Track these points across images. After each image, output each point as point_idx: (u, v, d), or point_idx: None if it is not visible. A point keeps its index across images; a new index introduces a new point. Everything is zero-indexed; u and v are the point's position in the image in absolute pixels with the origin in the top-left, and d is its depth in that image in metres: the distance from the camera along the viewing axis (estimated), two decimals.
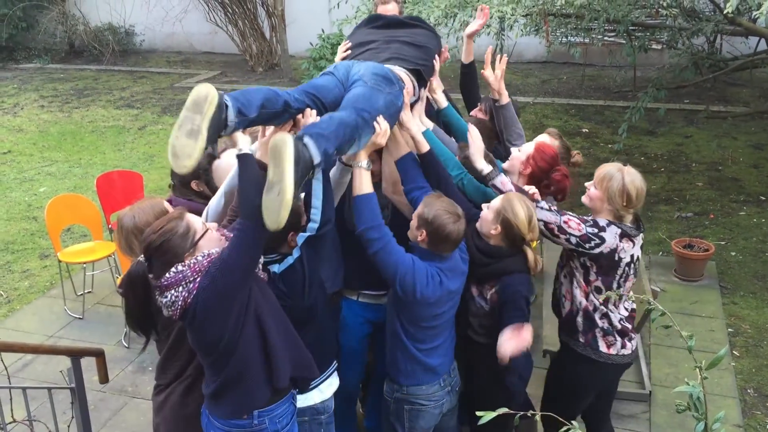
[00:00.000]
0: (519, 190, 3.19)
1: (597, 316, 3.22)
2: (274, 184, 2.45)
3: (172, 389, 3.00)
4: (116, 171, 6.57)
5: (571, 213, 3.17)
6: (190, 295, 2.49)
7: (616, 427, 4.20)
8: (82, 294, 5.69)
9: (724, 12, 5.12)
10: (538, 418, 2.21)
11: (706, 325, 5.17)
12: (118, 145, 9.47)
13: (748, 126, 9.28)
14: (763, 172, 7.89)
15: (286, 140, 2.46)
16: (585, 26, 7.56)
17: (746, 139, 8.88)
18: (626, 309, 3.29)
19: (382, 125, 2.88)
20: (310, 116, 2.80)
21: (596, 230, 3.09)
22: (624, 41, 9.42)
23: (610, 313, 3.21)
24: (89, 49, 14.36)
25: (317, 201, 2.78)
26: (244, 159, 2.61)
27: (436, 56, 3.42)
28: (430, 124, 3.42)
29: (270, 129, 2.82)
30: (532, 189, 3.28)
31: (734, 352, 4.89)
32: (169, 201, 3.19)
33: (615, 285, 3.17)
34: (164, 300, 2.52)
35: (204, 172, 3.34)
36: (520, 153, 3.38)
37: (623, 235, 3.12)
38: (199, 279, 2.50)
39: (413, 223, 3.00)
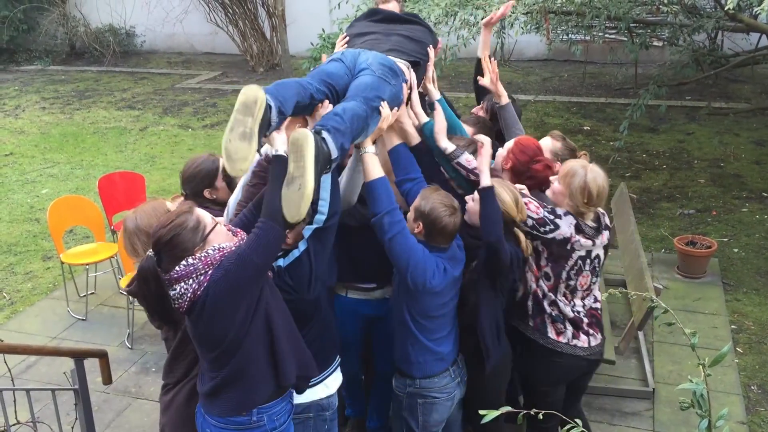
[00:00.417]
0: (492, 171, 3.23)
1: (545, 303, 3.27)
2: (295, 178, 2.53)
3: (179, 389, 3.00)
4: (118, 172, 6.58)
5: (531, 197, 3.21)
6: (201, 287, 2.50)
7: (619, 424, 4.21)
8: (85, 295, 5.70)
9: (725, 8, 5.12)
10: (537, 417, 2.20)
11: (709, 322, 5.17)
12: (120, 147, 9.47)
13: (750, 122, 9.26)
14: (765, 168, 7.88)
15: (307, 136, 2.54)
16: (586, 24, 7.56)
17: (748, 135, 8.87)
18: (584, 304, 3.30)
19: (385, 111, 2.96)
20: (326, 107, 2.90)
21: (552, 216, 3.15)
22: (625, 38, 9.41)
23: (558, 302, 3.25)
24: (90, 50, 14.38)
25: (325, 193, 2.81)
26: (278, 160, 2.65)
27: (430, 47, 3.48)
28: (425, 117, 3.43)
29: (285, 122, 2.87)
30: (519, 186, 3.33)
31: (737, 348, 4.88)
32: None
33: (564, 275, 3.21)
34: (172, 293, 2.52)
35: (225, 174, 3.30)
36: (503, 149, 3.43)
37: (579, 229, 3.15)
38: (210, 272, 2.50)
39: (410, 215, 3.06)
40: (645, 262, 4.62)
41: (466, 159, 3.24)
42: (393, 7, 3.91)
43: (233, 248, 2.56)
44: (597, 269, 3.30)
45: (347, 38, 3.46)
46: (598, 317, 3.37)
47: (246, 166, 2.54)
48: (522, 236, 3.16)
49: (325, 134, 2.65)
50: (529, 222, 3.15)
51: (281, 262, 2.85)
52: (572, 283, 3.23)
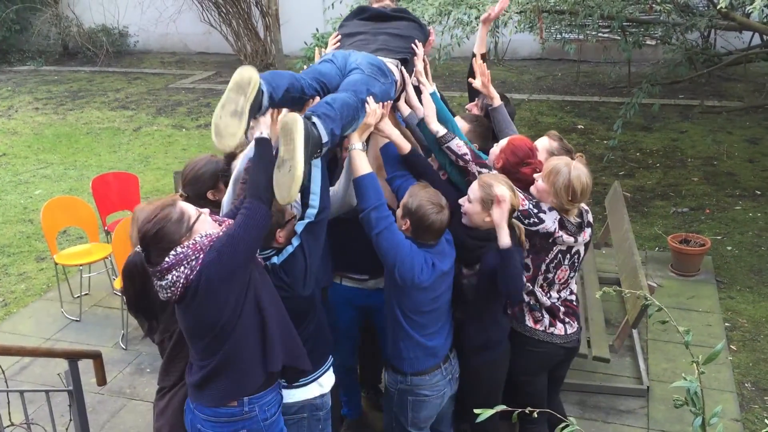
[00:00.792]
0: (474, 155, 3.24)
1: (523, 292, 3.28)
2: (285, 161, 2.59)
3: (175, 393, 2.99)
4: (112, 173, 6.56)
5: (518, 189, 3.20)
6: (193, 272, 2.50)
7: (614, 422, 4.22)
8: (78, 296, 5.68)
9: (718, 7, 5.12)
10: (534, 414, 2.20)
11: (703, 320, 5.18)
12: (114, 147, 9.45)
13: (743, 120, 9.29)
14: (758, 166, 7.91)
15: (296, 119, 2.60)
16: (579, 23, 7.57)
17: (741, 133, 8.90)
18: (559, 296, 3.33)
19: (371, 105, 3.01)
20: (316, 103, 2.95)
21: (537, 210, 3.16)
22: (618, 37, 9.42)
23: (536, 292, 3.28)
24: (83, 50, 14.33)
25: (316, 187, 2.83)
26: (261, 142, 2.69)
27: (417, 42, 3.49)
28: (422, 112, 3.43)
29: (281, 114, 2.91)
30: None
31: (731, 346, 4.90)
32: None
33: (543, 267, 3.24)
34: (163, 283, 2.52)
35: (223, 174, 3.33)
36: (496, 147, 3.42)
37: (562, 225, 3.17)
38: (202, 256, 2.51)
39: (398, 212, 3.08)
40: (639, 261, 4.63)
41: (457, 144, 3.24)
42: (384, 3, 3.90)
43: (221, 233, 2.58)
44: (576, 264, 3.33)
45: (339, 37, 3.52)
46: (573, 308, 3.41)
47: (234, 142, 2.63)
48: (521, 228, 3.15)
49: (315, 119, 2.71)
50: (514, 213, 3.14)
51: (276, 260, 2.85)
52: (550, 276, 3.26)
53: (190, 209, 2.59)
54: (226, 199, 3.04)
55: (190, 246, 2.51)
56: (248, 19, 13.39)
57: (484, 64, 3.84)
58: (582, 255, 3.33)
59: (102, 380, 3.94)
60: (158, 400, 3.08)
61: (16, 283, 6.07)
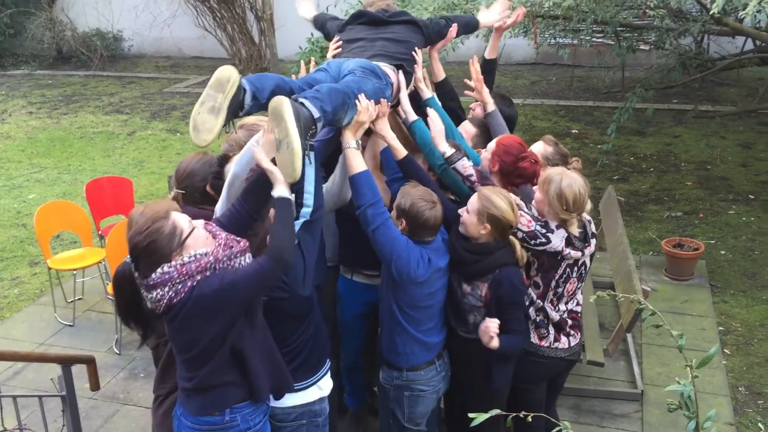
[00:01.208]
0: (481, 175, 3.26)
1: (531, 310, 3.29)
2: (282, 140, 2.63)
3: (172, 400, 2.97)
4: (106, 177, 6.55)
5: (525, 210, 3.22)
6: (177, 295, 2.49)
7: (608, 426, 4.23)
8: (72, 301, 5.66)
9: (711, 12, 5.14)
10: (529, 418, 2.20)
11: (697, 324, 5.19)
12: (108, 151, 9.43)
13: (736, 125, 9.33)
14: (751, 170, 7.94)
15: (282, 99, 2.65)
16: (573, 27, 7.59)
17: (734, 138, 8.93)
18: (567, 308, 3.32)
19: (363, 102, 3.01)
20: None
21: (544, 230, 3.16)
22: (612, 42, 9.46)
23: (546, 308, 3.28)
24: (77, 54, 14.31)
25: (310, 186, 2.84)
26: (282, 203, 2.69)
27: (416, 49, 3.53)
28: (414, 116, 3.45)
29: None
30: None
31: (725, 350, 4.91)
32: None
33: (553, 284, 3.24)
34: (150, 296, 2.52)
35: (214, 176, 3.30)
36: (486, 152, 3.41)
37: (569, 242, 3.17)
38: (189, 283, 2.49)
39: (393, 213, 3.12)
40: (633, 265, 4.64)
41: (463, 165, 3.25)
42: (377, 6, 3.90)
43: (211, 259, 2.53)
44: (583, 275, 3.33)
45: (340, 42, 3.55)
46: (578, 320, 3.42)
47: (210, 137, 2.67)
48: (518, 244, 3.17)
49: (301, 99, 2.75)
50: (519, 234, 3.16)
51: None
52: (560, 290, 3.26)
53: (183, 223, 2.56)
54: (220, 205, 3.03)
55: (177, 268, 2.48)
56: (243, 24, 13.38)
57: (479, 69, 3.82)
58: (588, 266, 3.33)
59: (95, 385, 3.93)
60: (156, 408, 3.06)
61: (9, 287, 6.05)
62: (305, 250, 2.82)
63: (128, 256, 2.53)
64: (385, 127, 3.23)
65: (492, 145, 3.39)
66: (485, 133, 3.76)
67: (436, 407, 3.47)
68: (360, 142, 3.13)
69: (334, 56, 3.49)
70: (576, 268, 3.25)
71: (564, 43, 8.76)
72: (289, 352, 2.93)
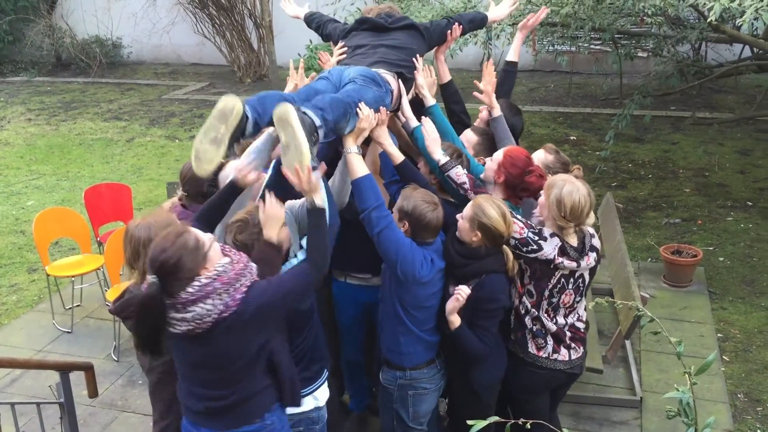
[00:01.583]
0: (474, 183, 3.28)
1: (527, 319, 3.28)
2: (289, 143, 2.71)
3: (167, 426, 2.99)
4: (104, 184, 6.54)
5: (519, 217, 3.22)
6: (228, 308, 2.47)
7: None
8: (70, 308, 5.65)
9: (708, 20, 5.16)
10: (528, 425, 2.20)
11: (696, 331, 5.19)
12: (106, 158, 9.43)
13: (734, 132, 9.35)
14: (749, 177, 7.96)
15: (287, 107, 2.72)
16: (571, 35, 7.62)
17: (732, 145, 8.95)
18: (566, 322, 3.29)
19: (364, 110, 3.07)
20: None
21: (537, 237, 3.15)
22: (610, 49, 9.49)
23: (542, 318, 3.26)
24: (76, 61, 14.33)
25: (324, 204, 2.88)
26: (314, 212, 2.77)
27: (417, 56, 3.59)
28: (415, 122, 3.50)
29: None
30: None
31: (724, 357, 4.91)
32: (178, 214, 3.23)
33: (546, 293, 3.22)
34: (186, 315, 2.45)
35: (208, 184, 3.40)
36: (492, 162, 3.42)
37: (563, 252, 3.15)
38: (236, 293, 2.49)
39: (395, 216, 3.16)
40: (631, 271, 4.65)
41: (456, 173, 3.31)
42: (379, 10, 3.93)
43: (242, 265, 2.56)
44: (581, 289, 3.29)
45: (345, 48, 3.61)
46: (580, 335, 3.37)
47: (211, 167, 2.74)
48: (510, 254, 3.18)
49: (304, 109, 2.82)
50: (512, 242, 3.17)
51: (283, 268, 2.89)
52: (554, 300, 3.24)
53: (202, 235, 2.56)
54: (219, 229, 3.06)
55: (215, 278, 2.47)
56: (242, 31, 13.41)
57: (492, 73, 3.84)
58: (587, 280, 3.29)
59: (93, 392, 3.92)
60: None
61: (7, 294, 6.04)
62: None
63: (152, 277, 2.44)
64: (383, 134, 3.27)
65: (499, 155, 3.38)
66: (487, 141, 3.76)
67: (436, 408, 3.49)
68: (360, 147, 3.18)
69: (338, 62, 3.58)
70: (572, 280, 3.22)
71: (562, 50, 8.80)
72: None
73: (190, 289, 2.44)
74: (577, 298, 3.30)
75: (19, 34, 14.44)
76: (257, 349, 2.61)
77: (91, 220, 5.98)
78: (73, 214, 5.92)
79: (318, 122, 2.81)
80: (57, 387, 3.73)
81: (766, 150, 8.71)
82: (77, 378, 3.96)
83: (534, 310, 3.26)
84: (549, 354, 3.29)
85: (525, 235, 3.15)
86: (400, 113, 3.52)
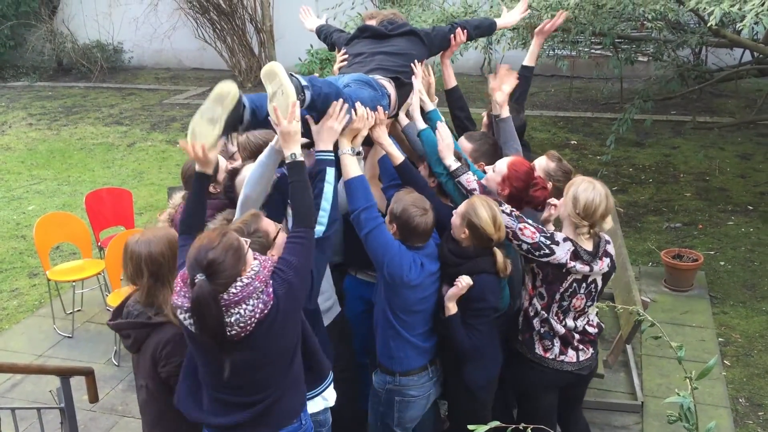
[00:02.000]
0: (484, 190, 3.28)
1: (536, 321, 3.29)
2: (276, 92, 2.78)
3: None
4: (105, 188, 6.55)
5: (530, 221, 3.22)
6: (267, 306, 2.47)
7: None
8: (71, 312, 5.65)
9: (708, 24, 5.17)
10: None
11: (697, 335, 5.19)
12: (107, 163, 9.44)
13: (735, 136, 9.36)
14: (750, 181, 7.95)
15: (273, 62, 2.83)
16: (572, 39, 7.62)
17: (733, 149, 8.96)
18: (575, 325, 3.30)
19: (359, 110, 3.09)
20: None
21: (549, 242, 3.15)
22: (610, 54, 9.50)
23: (551, 320, 3.27)
24: (77, 66, 14.35)
25: (326, 203, 2.92)
26: (295, 166, 2.77)
27: (416, 61, 3.61)
28: (423, 124, 3.53)
29: None
30: (553, 200, 3.39)
31: (725, 361, 4.90)
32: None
33: (558, 296, 3.23)
34: (232, 318, 2.43)
35: (226, 189, 3.47)
36: (495, 173, 3.42)
37: (576, 256, 3.15)
38: (269, 289, 2.49)
39: (387, 218, 3.17)
40: (632, 276, 4.65)
41: (467, 179, 3.31)
42: (382, 16, 3.94)
43: (273, 260, 2.59)
44: (594, 294, 3.29)
45: (346, 56, 3.66)
46: (591, 338, 3.37)
47: (206, 144, 2.79)
48: (499, 255, 3.20)
49: (291, 73, 2.86)
50: (524, 246, 3.17)
51: None
52: (565, 303, 3.24)
53: (240, 237, 2.56)
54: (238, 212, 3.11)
55: (254, 277, 2.46)
56: (243, 36, 13.43)
57: (505, 74, 3.85)
58: (600, 285, 3.29)
59: (94, 397, 3.92)
60: None
61: (8, 299, 6.04)
62: (315, 264, 2.84)
63: (200, 275, 2.39)
64: (382, 135, 3.30)
65: (503, 168, 3.38)
66: (483, 146, 3.75)
67: (429, 413, 3.48)
68: (361, 149, 3.22)
69: (340, 68, 3.62)
70: (585, 284, 3.22)
71: (563, 55, 8.80)
72: None
73: (233, 290, 2.42)
74: (589, 303, 3.29)
75: (20, 39, 14.46)
76: (296, 339, 2.63)
77: (92, 225, 5.99)
78: (74, 219, 5.92)
79: (304, 82, 2.85)
80: (57, 392, 3.73)
81: (767, 154, 8.72)
82: (78, 383, 3.96)
83: (543, 312, 3.27)
84: (556, 355, 3.30)
85: (537, 240, 3.15)
86: (410, 111, 3.56)
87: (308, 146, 3.24)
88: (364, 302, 3.74)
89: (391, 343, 3.25)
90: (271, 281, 2.52)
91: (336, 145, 3.10)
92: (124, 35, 14.63)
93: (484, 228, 3.10)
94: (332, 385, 3.16)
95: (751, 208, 7.28)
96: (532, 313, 3.30)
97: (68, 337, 5.46)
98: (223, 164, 3.81)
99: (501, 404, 3.65)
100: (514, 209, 3.23)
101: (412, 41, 3.66)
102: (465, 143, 3.81)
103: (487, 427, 1.98)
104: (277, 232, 2.80)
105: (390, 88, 3.38)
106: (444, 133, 3.36)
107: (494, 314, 3.31)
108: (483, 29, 4.07)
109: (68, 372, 3.79)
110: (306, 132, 2.96)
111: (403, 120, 3.62)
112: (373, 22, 4.02)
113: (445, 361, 3.41)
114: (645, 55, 9.30)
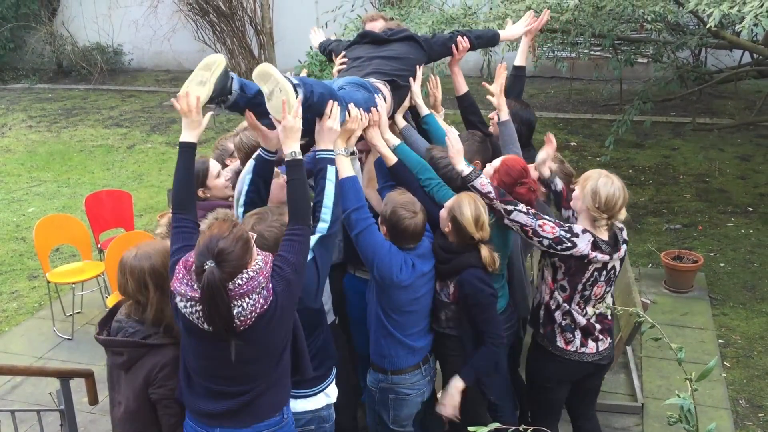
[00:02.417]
0: (498, 193, 3.25)
1: (557, 314, 3.31)
2: (273, 90, 2.83)
3: None
4: (105, 190, 6.56)
5: (548, 217, 3.23)
6: (267, 301, 2.50)
7: None
8: (71, 314, 5.65)
9: (708, 26, 5.18)
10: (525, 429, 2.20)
11: (697, 337, 5.19)
12: (107, 165, 9.45)
13: (734, 138, 9.36)
14: (749, 183, 7.96)
15: (266, 63, 2.89)
16: (571, 41, 7.63)
17: (733, 150, 8.96)
18: (594, 311, 3.33)
19: (352, 112, 3.13)
20: None
21: (569, 235, 3.17)
22: (610, 55, 9.51)
23: (572, 312, 3.29)
24: (77, 68, 14.35)
25: (329, 201, 2.93)
26: (293, 164, 2.79)
27: (417, 66, 3.66)
28: (403, 123, 3.63)
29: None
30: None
31: (725, 363, 4.90)
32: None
33: (580, 287, 3.25)
34: (235, 311, 2.44)
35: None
36: (489, 166, 3.45)
37: (596, 246, 3.18)
38: (269, 284, 2.52)
39: (380, 219, 3.20)
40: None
41: (481, 183, 3.24)
42: (381, 26, 4.00)
43: (271, 257, 2.60)
44: (612, 279, 3.34)
45: (346, 59, 3.69)
46: (608, 324, 3.40)
47: (199, 97, 2.85)
48: (485, 250, 3.22)
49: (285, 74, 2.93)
50: (545, 242, 3.18)
51: None
52: (587, 293, 3.27)
53: (248, 231, 2.60)
54: (237, 189, 3.20)
55: (258, 271, 2.48)
56: (242, 38, 13.42)
57: (504, 76, 3.86)
58: (617, 270, 3.34)
59: (94, 399, 3.91)
60: None
61: (8, 301, 6.04)
62: (319, 264, 2.86)
63: (209, 262, 2.39)
64: (375, 136, 3.33)
65: (497, 162, 3.42)
66: (473, 145, 3.75)
67: (431, 409, 3.50)
68: (355, 150, 3.25)
69: (339, 71, 3.64)
70: (605, 272, 3.25)
71: (562, 57, 8.81)
72: None
73: (239, 281, 2.44)
74: (608, 289, 3.34)
75: (20, 41, 14.47)
76: (288, 336, 2.65)
77: (91, 227, 5.99)
78: (74, 221, 5.92)
79: (296, 81, 2.88)
80: (57, 394, 3.72)
81: (767, 155, 8.72)
82: (78, 385, 3.96)
83: (566, 304, 3.29)
84: (577, 348, 3.32)
85: (558, 234, 3.17)
86: (399, 116, 3.61)
87: (307, 146, 3.27)
88: (363, 298, 3.74)
89: (382, 341, 3.29)
90: (269, 277, 2.55)
91: None
92: (123, 37, 14.63)
93: (465, 226, 3.15)
94: (334, 383, 3.18)
95: (750, 209, 7.28)
96: (553, 306, 3.32)
97: (68, 339, 5.46)
98: (215, 169, 3.82)
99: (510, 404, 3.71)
100: (530, 208, 3.24)
101: (410, 46, 3.70)
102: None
103: (487, 429, 1.98)
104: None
105: (385, 90, 3.43)
106: (453, 140, 3.34)
107: (496, 301, 3.32)
108: (485, 39, 4.09)
109: (68, 374, 3.79)
110: (305, 132, 2.96)
111: (401, 122, 3.67)
112: (373, 25, 4.04)
113: (440, 358, 3.43)
114: (644, 56, 9.31)
